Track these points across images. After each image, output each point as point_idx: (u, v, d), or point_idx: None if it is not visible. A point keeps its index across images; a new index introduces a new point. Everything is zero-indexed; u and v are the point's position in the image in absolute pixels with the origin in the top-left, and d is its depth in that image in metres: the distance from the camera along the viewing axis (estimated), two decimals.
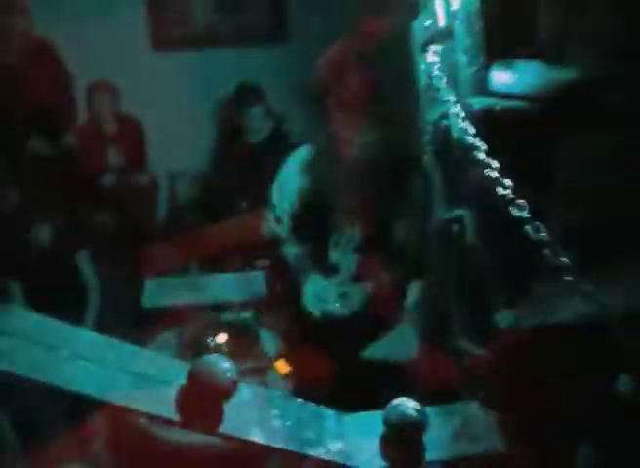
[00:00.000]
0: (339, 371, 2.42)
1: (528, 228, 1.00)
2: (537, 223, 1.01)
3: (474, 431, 1.26)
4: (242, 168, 4.01)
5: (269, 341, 3.03)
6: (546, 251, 0.99)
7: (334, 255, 2.59)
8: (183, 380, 1.00)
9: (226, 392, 1.00)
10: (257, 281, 3.48)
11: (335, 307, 2.66)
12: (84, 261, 3.63)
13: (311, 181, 2.50)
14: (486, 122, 1.20)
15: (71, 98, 4.19)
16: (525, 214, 1.01)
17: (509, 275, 1.25)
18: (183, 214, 4.53)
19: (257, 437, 1.05)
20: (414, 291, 2.45)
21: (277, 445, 1.06)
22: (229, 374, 1.00)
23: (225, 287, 3.50)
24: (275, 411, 1.12)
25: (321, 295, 2.67)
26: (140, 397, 0.95)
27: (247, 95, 4.00)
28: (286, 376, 2.81)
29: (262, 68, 4.35)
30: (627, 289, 1.23)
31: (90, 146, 4.18)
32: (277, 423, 1.10)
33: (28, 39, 3.87)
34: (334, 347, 2.57)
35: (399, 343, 2.05)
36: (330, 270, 2.62)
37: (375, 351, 2.23)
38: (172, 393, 0.99)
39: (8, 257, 3.43)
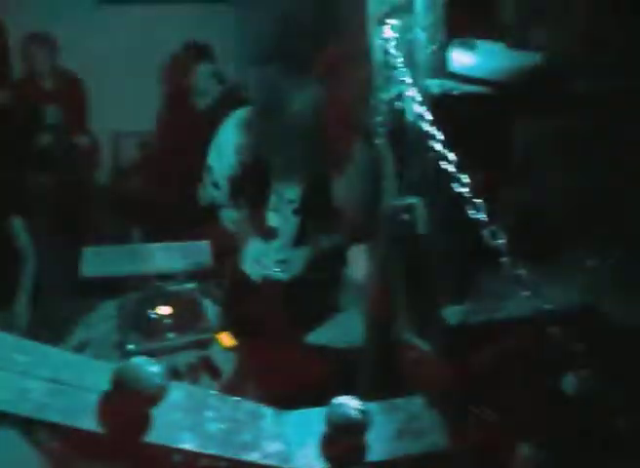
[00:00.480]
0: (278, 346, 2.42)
1: (484, 231, 0.94)
2: (493, 228, 0.95)
3: (418, 427, 1.22)
4: (187, 133, 3.85)
5: (213, 313, 2.96)
6: (501, 258, 0.93)
7: (273, 219, 2.56)
8: (105, 386, 0.91)
9: (154, 398, 0.91)
10: (201, 250, 3.40)
11: (274, 272, 2.63)
12: (19, 228, 3.45)
13: (250, 141, 2.46)
14: (444, 106, 1.13)
15: (4, 52, 3.94)
16: (481, 216, 0.95)
17: (458, 269, 1.20)
18: (127, 177, 4.36)
19: (188, 444, 0.98)
20: (354, 256, 2.46)
21: (211, 451, 0.99)
22: (157, 379, 0.91)
23: (169, 256, 3.40)
24: (209, 413, 1.05)
25: (260, 260, 2.64)
26: (58, 406, 0.85)
27: (193, 51, 3.78)
28: (230, 349, 2.76)
29: (209, 26, 4.18)
30: (565, 283, 1.22)
31: (25, 102, 3.95)
32: (211, 426, 1.03)
33: None
34: (274, 315, 2.57)
35: (345, 330, 2.00)
36: (269, 234, 2.58)
37: (320, 336, 2.18)
38: (92, 399, 0.90)
39: None
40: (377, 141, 1.33)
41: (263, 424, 1.10)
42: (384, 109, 1.29)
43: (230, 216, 2.73)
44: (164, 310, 2.89)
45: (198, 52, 3.83)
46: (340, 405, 1.11)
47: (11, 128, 3.85)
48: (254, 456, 1.03)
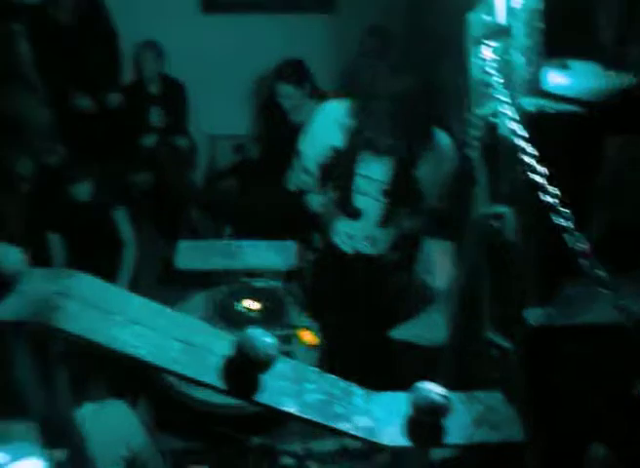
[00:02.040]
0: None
1: (569, 238, 1.02)
2: (577, 234, 1.03)
3: (495, 420, 1.31)
4: (279, 143, 3.99)
5: (296, 310, 3.11)
6: (583, 261, 1.01)
7: (359, 201, 2.70)
8: (227, 350, 1.07)
9: (266, 364, 1.06)
10: (287, 250, 3.56)
11: (364, 246, 2.79)
12: (121, 218, 3.72)
13: (352, 128, 2.59)
14: (537, 124, 1.22)
15: (117, 57, 4.25)
16: (568, 224, 1.03)
17: (543, 274, 1.28)
18: (221, 178, 4.60)
19: (290, 408, 1.12)
20: (431, 249, 2.61)
21: (308, 417, 1.13)
22: (270, 349, 1.06)
23: (257, 254, 3.58)
24: (309, 386, 1.18)
25: (350, 233, 2.80)
26: (187, 363, 1.02)
27: (282, 69, 3.84)
28: (311, 346, 2.89)
29: (309, 37, 4.35)
30: None
31: (133, 106, 4.24)
32: (310, 397, 1.17)
33: None
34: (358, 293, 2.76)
35: (428, 328, 2.10)
36: (355, 214, 2.74)
37: (403, 332, 2.29)
38: (216, 361, 1.06)
39: (50, 210, 3.54)
40: (470, 152, 1.44)
41: (355, 400, 1.23)
42: (480, 124, 1.39)
43: (318, 200, 2.89)
44: (250, 304, 3.08)
45: (287, 69, 3.90)
46: (424, 388, 1.23)
47: (119, 128, 4.17)
48: (345, 427, 1.16)
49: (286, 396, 1.13)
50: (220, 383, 1.03)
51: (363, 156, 2.61)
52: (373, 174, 2.64)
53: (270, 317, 3.02)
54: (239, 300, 3.13)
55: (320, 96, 3.88)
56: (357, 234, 2.79)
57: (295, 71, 3.82)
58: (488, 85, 1.30)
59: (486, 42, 1.34)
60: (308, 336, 3.02)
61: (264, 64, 4.17)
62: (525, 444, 1.30)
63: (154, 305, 1.06)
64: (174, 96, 4.32)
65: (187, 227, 4.27)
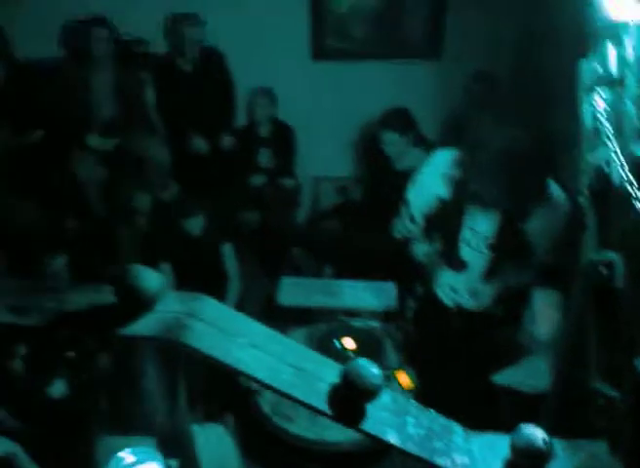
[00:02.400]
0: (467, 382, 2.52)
1: None
2: None
3: None
4: (382, 188, 4.02)
5: (393, 352, 3.12)
6: None
7: (465, 252, 2.66)
8: (334, 378, 1.13)
9: (371, 394, 1.11)
10: (387, 291, 3.60)
11: (466, 300, 2.74)
12: (228, 253, 3.89)
13: (452, 178, 2.56)
14: None
15: (232, 102, 4.52)
16: None
17: None
18: (324, 218, 4.72)
19: (392, 439, 1.15)
20: (539, 300, 2.50)
21: (410, 449, 1.16)
22: (376, 379, 1.11)
23: (356, 294, 3.64)
24: (410, 419, 1.22)
25: (454, 286, 2.75)
26: (298, 387, 1.09)
27: (388, 117, 3.91)
28: (407, 389, 2.89)
29: (415, 84, 4.44)
30: None
31: (244, 147, 4.47)
32: (411, 429, 1.20)
33: (201, 48, 4.24)
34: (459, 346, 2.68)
35: (531, 374, 2.06)
36: (459, 266, 2.70)
37: (506, 378, 2.25)
38: (324, 388, 1.12)
39: (163, 242, 3.78)
40: (581, 199, 1.44)
41: (455, 438, 1.24)
42: (590, 171, 1.40)
43: (423, 249, 2.87)
44: (348, 342, 3.12)
45: (391, 117, 3.97)
46: (526, 431, 1.22)
47: (231, 168, 4.41)
48: (444, 463, 1.18)
49: (388, 427, 1.17)
50: (327, 409, 1.09)
51: (469, 208, 2.58)
52: (479, 226, 2.60)
53: (367, 357, 3.02)
54: (337, 339, 3.17)
55: (425, 144, 3.93)
56: (460, 287, 2.75)
57: (400, 119, 3.89)
58: (599, 133, 1.32)
59: (597, 90, 1.35)
60: (405, 379, 3.01)
61: (370, 110, 4.26)
62: None
63: (270, 331, 1.15)
64: (283, 139, 4.51)
65: (290, 265, 4.39)
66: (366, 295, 3.64)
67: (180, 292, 1.12)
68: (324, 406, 1.07)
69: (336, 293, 3.63)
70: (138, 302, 1.04)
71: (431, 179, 2.67)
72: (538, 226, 2.52)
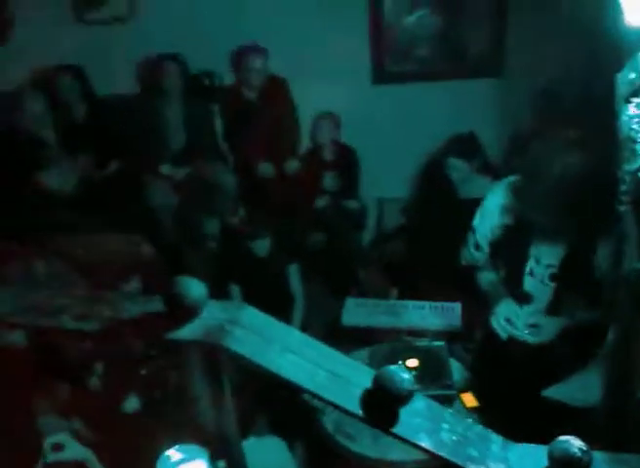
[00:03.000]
0: (516, 402, 2.43)
1: None
2: None
3: None
4: (444, 214, 3.97)
5: (457, 372, 3.10)
6: None
7: (528, 284, 2.57)
8: (367, 383, 1.18)
9: (402, 398, 1.15)
10: (452, 312, 3.58)
11: (524, 334, 2.64)
12: (294, 274, 4.00)
13: (515, 204, 2.47)
14: None
15: (296, 128, 4.66)
16: None
17: None
18: (388, 239, 4.75)
19: (425, 443, 1.19)
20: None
21: (442, 454, 1.18)
22: (406, 384, 1.15)
23: (421, 314, 3.64)
24: (444, 425, 1.24)
25: (512, 319, 2.66)
26: (332, 390, 1.14)
27: (454, 144, 3.93)
28: (471, 409, 2.86)
29: (477, 103, 4.44)
30: None
31: (310, 171, 4.60)
32: (444, 435, 1.22)
33: (265, 77, 4.42)
34: (516, 375, 2.58)
35: (582, 388, 2.02)
36: (523, 298, 2.61)
37: (556, 392, 2.21)
38: (357, 392, 1.17)
39: (233, 265, 3.92)
40: (622, 209, 1.44)
41: (491, 447, 1.25)
42: (629, 180, 1.40)
43: (488, 278, 2.79)
44: (411, 363, 3.12)
45: (456, 144, 4.00)
46: (564, 441, 1.22)
47: (296, 191, 4.54)
48: None
49: (422, 432, 1.20)
50: (360, 412, 1.14)
51: (534, 237, 2.48)
52: (544, 257, 2.50)
53: (432, 377, 3.02)
54: (401, 359, 3.17)
55: (490, 170, 3.91)
56: (519, 320, 2.64)
57: (466, 146, 3.90)
58: (635, 141, 1.32)
59: (632, 99, 1.36)
60: (470, 399, 2.99)
61: (433, 130, 4.30)
62: None
63: (306, 338, 1.21)
64: (346, 162, 4.60)
65: (355, 286, 4.44)
66: (430, 316, 3.64)
67: (224, 301, 1.21)
68: (356, 409, 1.12)
69: (400, 314, 3.65)
70: (183, 309, 1.14)
71: (495, 207, 2.60)
72: (606, 260, 2.29)
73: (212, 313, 1.17)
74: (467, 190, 3.85)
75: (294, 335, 1.19)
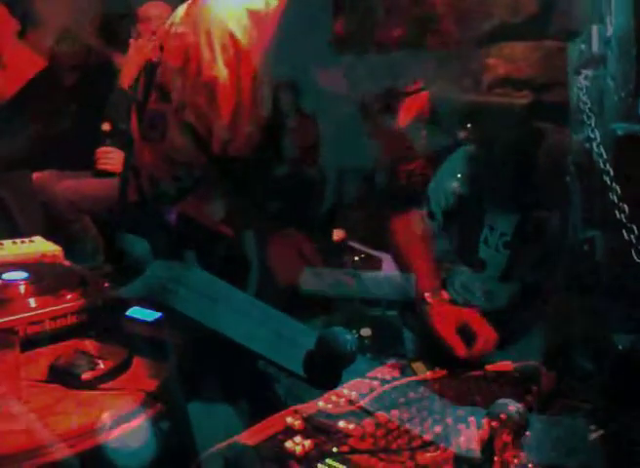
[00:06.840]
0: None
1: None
2: None
3: (573, 445, 1.31)
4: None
5: (410, 342, 3.14)
6: None
7: (483, 252, 2.61)
8: (311, 345, 1.19)
9: (345, 359, 1.16)
10: (407, 281, 3.61)
11: (480, 301, 2.68)
12: (249, 242, 3.95)
13: (469, 173, 2.52)
14: (628, 147, 1.23)
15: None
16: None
17: (631, 297, 1.28)
18: (347, 209, 4.73)
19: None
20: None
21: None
22: (350, 345, 1.17)
23: (377, 283, 3.67)
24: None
25: (468, 286, 2.69)
26: (275, 351, 1.15)
27: None
28: (422, 377, 2.90)
29: None
30: None
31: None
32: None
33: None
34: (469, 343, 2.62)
35: (522, 353, 2.07)
36: (478, 266, 2.65)
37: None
38: (301, 353, 1.18)
39: (187, 230, 3.86)
40: (567, 178, 1.47)
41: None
42: (575, 149, 1.42)
43: (440, 247, 2.75)
44: (365, 332, 3.15)
45: None
46: (501, 403, 1.26)
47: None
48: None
49: (362, 391, 1.22)
50: (303, 373, 1.15)
51: (486, 205, 2.54)
52: (497, 224, 2.55)
53: (384, 346, 3.05)
54: (354, 328, 3.19)
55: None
56: (474, 287, 2.68)
57: None
58: (582, 112, 1.34)
59: (583, 72, 1.38)
60: (421, 368, 3.03)
61: None
62: None
63: (251, 298, 1.21)
64: (306, 128, 4.54)
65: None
66: (385, 285, 3.67)
67: (168, 260, 1.19)
68: (300, 370, 1.13)
69: (356, 283, 3.66)
70: (125, 265, 1.13)
71: (449, 176, 2.61)
72: (555, 226, 2.36)
73: (156, 272, 1.16)
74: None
75: (238, 296, 1.18)
